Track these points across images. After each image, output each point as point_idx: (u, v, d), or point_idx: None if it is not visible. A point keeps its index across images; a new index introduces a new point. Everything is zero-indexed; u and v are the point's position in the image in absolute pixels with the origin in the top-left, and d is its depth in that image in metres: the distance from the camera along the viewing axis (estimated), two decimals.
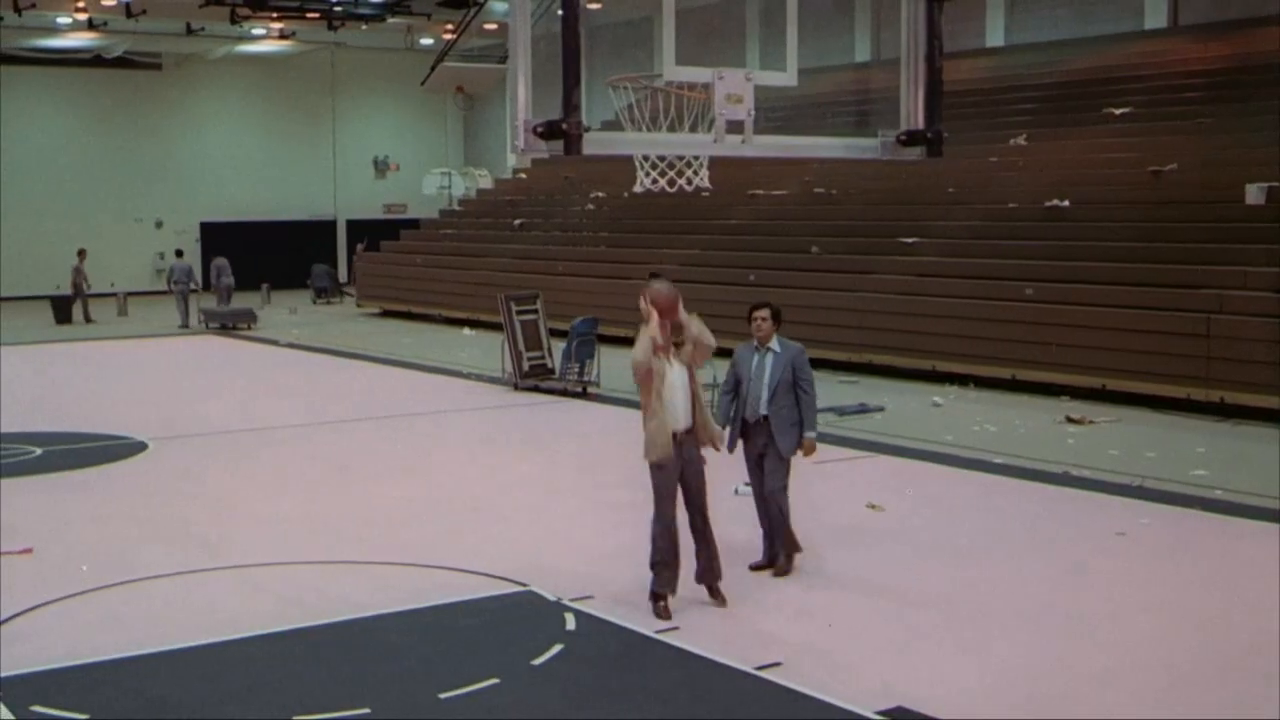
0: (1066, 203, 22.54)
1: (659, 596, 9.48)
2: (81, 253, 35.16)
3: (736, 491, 12.22)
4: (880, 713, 7.65)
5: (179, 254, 35.44)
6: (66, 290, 34.97)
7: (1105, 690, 8.08)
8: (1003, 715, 7.69)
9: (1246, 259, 18.95)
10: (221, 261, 35.32)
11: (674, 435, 9.37)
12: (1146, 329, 18.75)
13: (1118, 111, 25.47)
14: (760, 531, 10.64)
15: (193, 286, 33.71)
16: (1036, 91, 28.36)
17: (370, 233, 41.55)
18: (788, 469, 10.49)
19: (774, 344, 10.41)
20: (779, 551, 10.51)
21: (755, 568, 10.50)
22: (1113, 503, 13.09)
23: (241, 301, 34.50)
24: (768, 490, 10.45)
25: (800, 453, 10.50)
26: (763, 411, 10.31)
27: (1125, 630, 9.22)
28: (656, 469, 9.45)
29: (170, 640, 9.05)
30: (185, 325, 32.52)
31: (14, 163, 42.05)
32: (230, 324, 32.06)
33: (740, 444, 10.57)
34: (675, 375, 9.44)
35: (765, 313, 10.39)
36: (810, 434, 10.44)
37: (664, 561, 9.47)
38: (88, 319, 33.84)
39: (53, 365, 25.41)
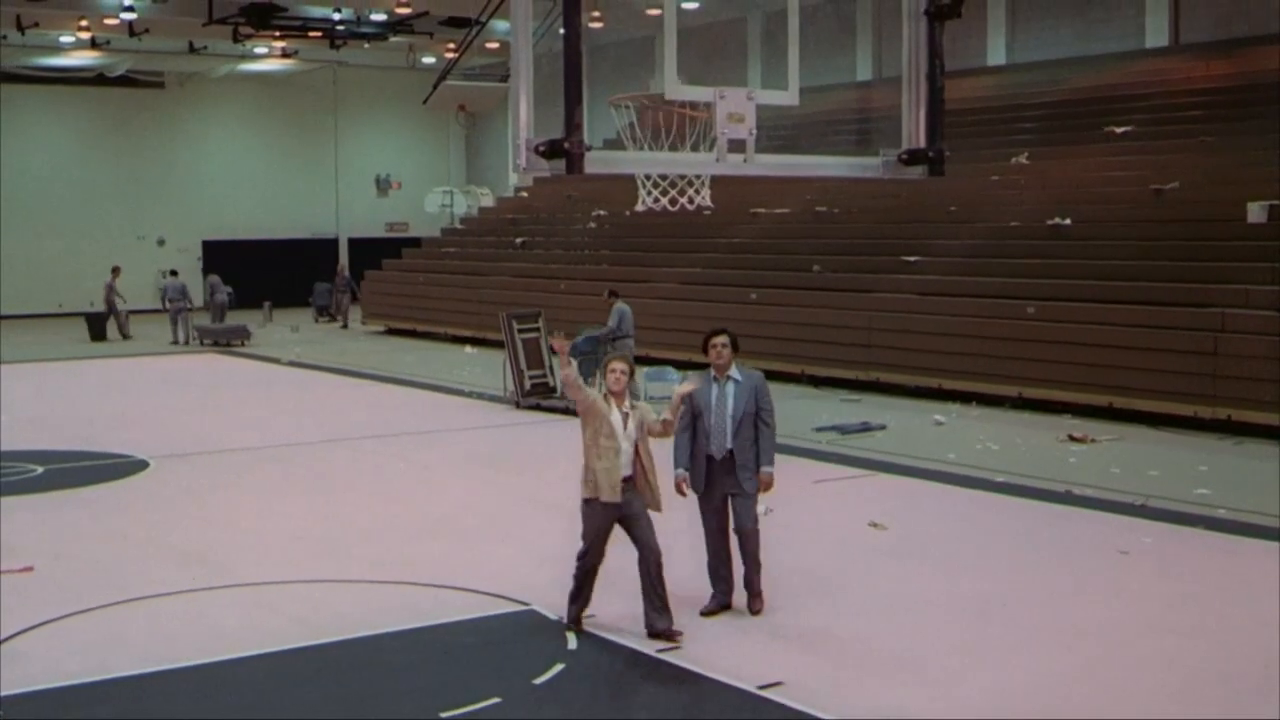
0: (1068, 221, 22.55)
1: (577, 621, 9.56)
2: (116, 270, 35.58)
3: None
4: None
5: (173, 274, 35.76)
6: (97, 308, 35.46)
7: (1106, 707, 8.06)
8: None
9: (1249, 277, 18.95)
10: (215, 279, 35.85)
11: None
12: (1152, 347, 18.76)
13: (1119, 130, 25.50)
14: (706, 571, 9.98)
15: (188, 305, 33.99)
16: (1038, 110, 28.40)
17: (372, 251, 41.54)
18: (755, 503, 9.96)
19: (734, 372, 9.78)
20: (751, 592, 9.93)
21: (708, 613, 9.83)
22: (1115, 521, 13.07)
23: (244, 319, 34.62)
24: (741, 527, 9.81)
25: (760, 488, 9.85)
26: (729, 446, 9.69)
27: (1127, 648, 9.20)
28: (596, 508, 9.25)
29: (172, 659, 9.03)
30: (176, 342, 32.98)
31: (16, 180, 42.09)
32: (224, 340, 32.53)
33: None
34: (618, 419, 9.20)
35: (724, 339, 9.75)
36: (768, 469, 9.77)
37: (579, 590, 9.57)
38: (124, 335, 34.29)
39: (54, 383, 25.41)
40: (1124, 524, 12.93)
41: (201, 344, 32.64)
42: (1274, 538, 12.26)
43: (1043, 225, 22.92)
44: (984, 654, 9.10)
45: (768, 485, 9.83)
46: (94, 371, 27.68)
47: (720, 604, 9.92)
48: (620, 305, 21.34)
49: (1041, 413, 19.68)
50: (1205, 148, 23.43)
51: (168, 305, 33.98)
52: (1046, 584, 10.87)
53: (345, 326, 37.54)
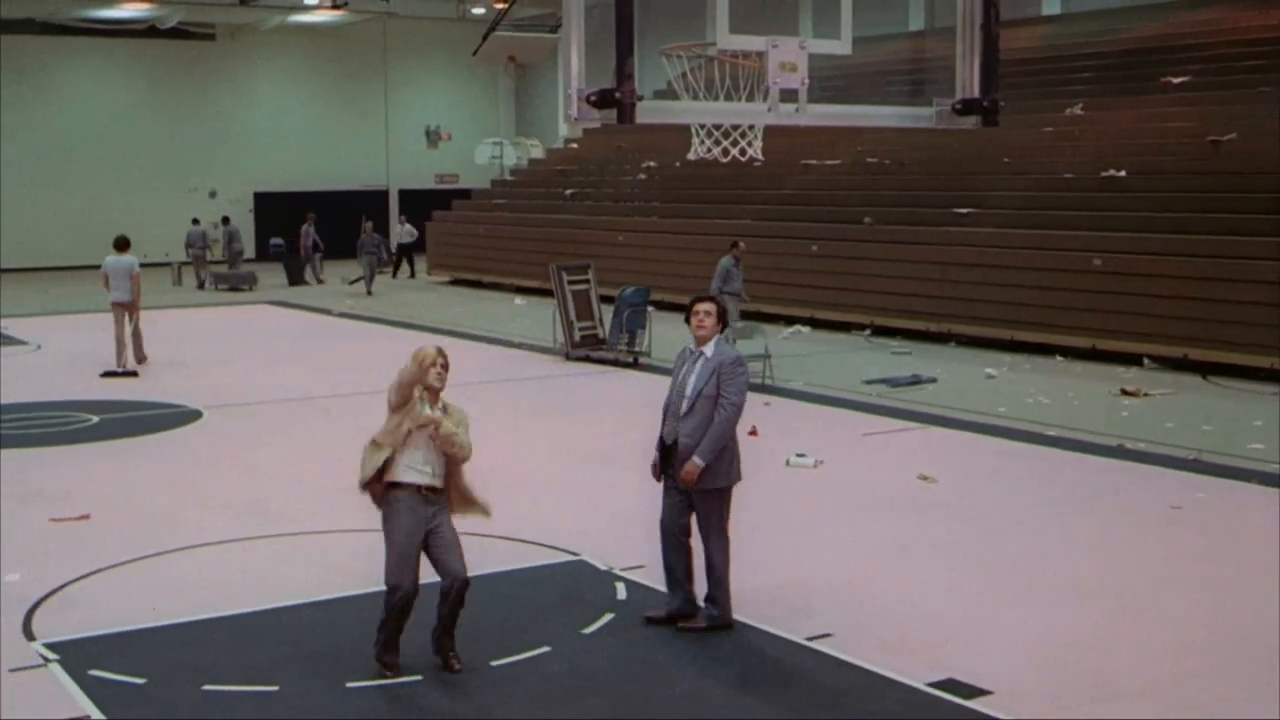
0: (1123, 173, 22.32)
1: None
2: (309, 216, 37.35)
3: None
4: (930, 684, 7.62)
5: (195, 222, 38.01)
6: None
7: (1156, 664, 8.02)
8: (1053, 687, 7.65)
9: None
10: (233, 228, 38.26)
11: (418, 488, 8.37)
12: (1225, 299, 18.71)
13: (1176, 80, 25.15)
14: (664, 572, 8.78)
15: (209, 256, 36.72)
16: (1093, 60, 28.06)
17: (422, 203, 41.54)
18: (721, 508, 8.52)
19: (707, 348, 8.56)
20: (704, 606, 8.59)
21: (653, 620, 8.67)
22: (1168, 476, 12.97)
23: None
24: (705, 541, 8.53)
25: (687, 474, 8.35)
26: (677, 429, 8.51)
27: (1178, 604, 9.14)
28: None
29: (223, 607, 9.13)
30: (200, 286, 35.66)
31: (69, 133, 42.38)
32: (235, 286, 35.23)
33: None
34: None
35: (708, 307, 8.58)
36: (698, 460, 8.28)
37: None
38: (318, 280, 36.43)
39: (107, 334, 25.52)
40: (1177, 479, 12.84)
41: (217, 288, 35.09)
42: None
43: (1096, 177, 22.69)
44: (1033, 608, 9.06)
45: (689, 477, 8.35)
46: (147, 323, 27.77)
47: (677, 608, 8.66)
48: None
49: (1103, 363, 19.60)
50: (1263, 98, 23.08)
51: (188, 253, 36.53)
52: (1098, 538, 10.81)
53: (369, 293, 33.93)
